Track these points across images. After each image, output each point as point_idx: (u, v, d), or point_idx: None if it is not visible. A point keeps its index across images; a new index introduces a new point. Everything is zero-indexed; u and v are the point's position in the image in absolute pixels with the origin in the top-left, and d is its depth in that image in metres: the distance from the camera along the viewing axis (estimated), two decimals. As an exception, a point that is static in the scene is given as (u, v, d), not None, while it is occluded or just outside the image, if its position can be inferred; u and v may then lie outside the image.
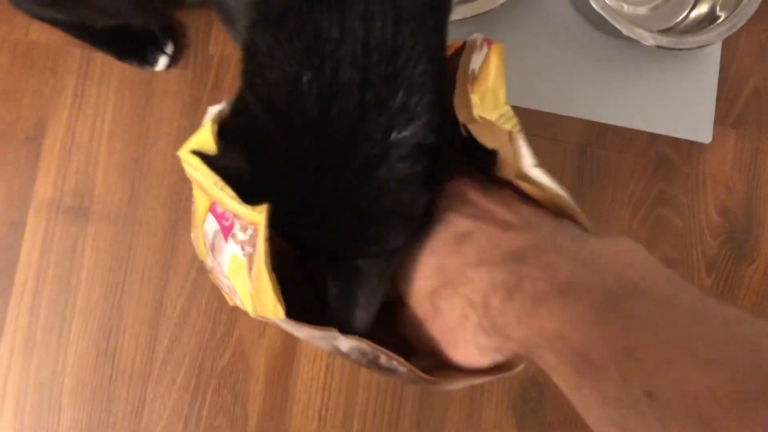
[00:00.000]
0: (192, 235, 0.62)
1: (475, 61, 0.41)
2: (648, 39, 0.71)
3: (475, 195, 0.37)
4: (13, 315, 0.65)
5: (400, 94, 0.33)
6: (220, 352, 0.67)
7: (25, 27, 0.68)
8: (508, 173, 0.39)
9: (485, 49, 0.41)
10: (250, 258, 0.41)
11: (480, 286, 0.32)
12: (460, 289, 0.33)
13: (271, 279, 0.35)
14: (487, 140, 0.38)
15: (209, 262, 0.54)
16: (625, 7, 0.78)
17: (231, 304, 0.63)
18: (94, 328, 0.66)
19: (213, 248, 0.50)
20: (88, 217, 0.66)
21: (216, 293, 0.66)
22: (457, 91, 0.39)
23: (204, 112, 0.70)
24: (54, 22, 0.66)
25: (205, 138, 0.36)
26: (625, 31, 0.70)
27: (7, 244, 0.65)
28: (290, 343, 0.68)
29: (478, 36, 0.41)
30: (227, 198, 0.36)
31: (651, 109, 0.76)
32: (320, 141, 0.33)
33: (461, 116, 0.39)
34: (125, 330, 0.66)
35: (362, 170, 0.33)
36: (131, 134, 0.68)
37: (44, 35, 0.68)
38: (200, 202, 0.50)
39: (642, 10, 0.79)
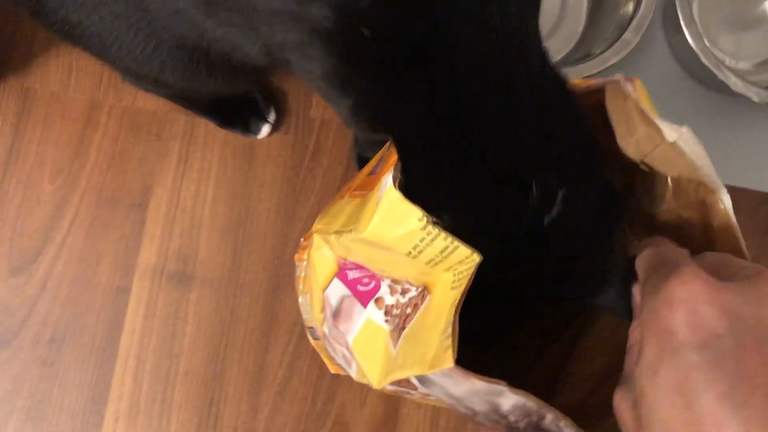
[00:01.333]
0: (300, 299, 0.62)
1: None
2: (755, 95, 0.68)
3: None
4: (118, 381, 0.64)
5: None
6: (321, 422, 0.65)
7: (132, 95, 0.69)
8: (685, 199, 0.39)
9: (630, 87, 0.40)
10: (405, 318, 0.40)
11: None
12: None
13: (455, 327, 0.34)
14: (666, 169, 0.39)
15: (324, 329, 0.53)
16: (728, 60, 0.76)
17: (333, 371, 0.61)
18: (195, 397, 0.65)
19: (338, 315, 0.49)
20: (192, 283, 0.66)
21: (317, 360, 0.65)
22: (619, 135, 0.39)
23: (305, 176, 0.70)
24: (159, 94, 0.68)
25: (393, 204, 0.35)
26: (733, 87, 0.68)
27: (113, 309, 0.66)
28: (392, 411, 0.66)
29: (619, 75, 0.40)
30: (439, 237, 0.34)
31: (761, 167, 0.73)
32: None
33: (632, 154, 0.39)
34: (226, 398, 0.65)
35: None
36: (234, 198, 0.68)
37: (150, 102, 0.69)
38: (323, 268, 0.50)
39: (745, 65, 0.76)
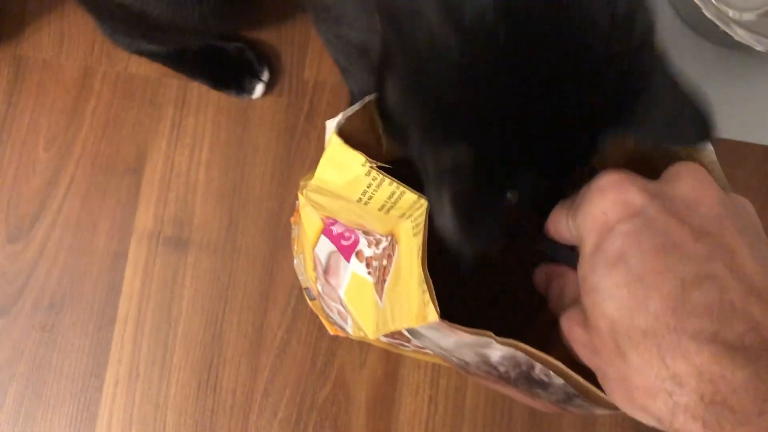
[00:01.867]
0: (295, 261, 0.61)
1: None
2: (759, 45, 0.67)
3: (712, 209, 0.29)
4: (117, 346, 0.65)
5: None
6: (320, 384, 0.65)
7: (124, 61, 0.69)
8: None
9: None
10: (383, 270, 0.40)
11: (708, 377, 0.25)
12: (667, 359, 0.26)
13: (426, 278, 0.34)
14: None
15: (318, 287, 0.53)
16: (731, 12, 0.74)
17: (332, 332, 0.61)
18: (195, 359, 0.65)
19: (328, 270, 0.49)
20: (188, 247, 0.66)
21: (316, 322, 0.65)
22: None
23: (299, 139, 0.69)
24: (151, 55, 0.67)
25: (336, 150, 0.35)
26: (737, 37, 0.66)
27: (110, 274, 0.66)
28: (391, 371, 0.65)
29: None
30: (385, 183, 0.34)
31: (764, 120, 0.71)
32: None
33: None
34: (226, 361, 0.65)
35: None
36: (228, 162, 0.68)
37: (143, 68, 0.69)
38: (310, 226, 0.50)
39: (749, 16, 0.74)
